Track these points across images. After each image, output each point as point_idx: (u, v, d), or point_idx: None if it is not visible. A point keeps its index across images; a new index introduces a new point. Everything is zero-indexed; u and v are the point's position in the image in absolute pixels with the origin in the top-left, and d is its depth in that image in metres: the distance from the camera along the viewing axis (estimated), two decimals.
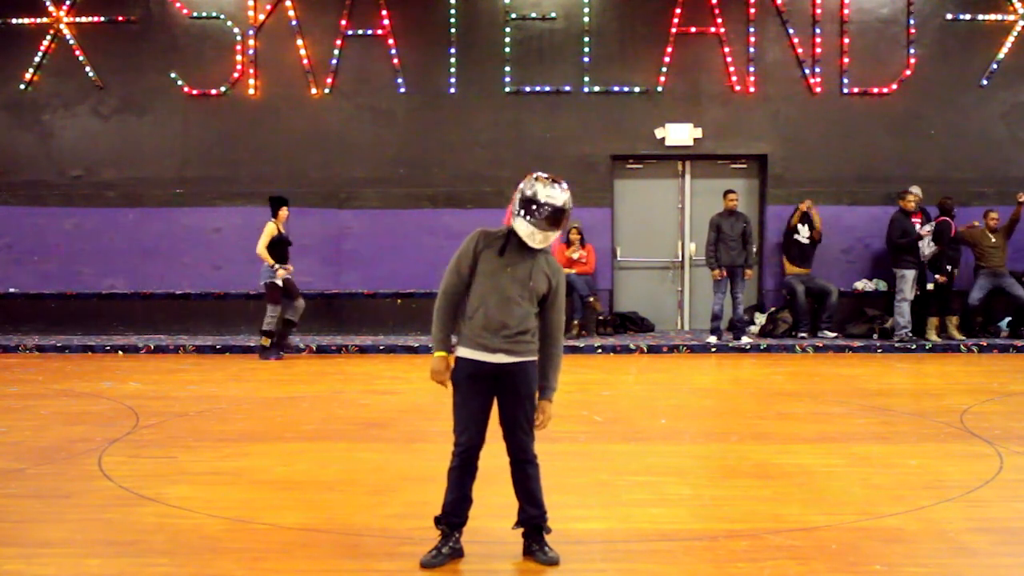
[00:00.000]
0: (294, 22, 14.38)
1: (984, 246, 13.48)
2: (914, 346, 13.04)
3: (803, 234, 13.72)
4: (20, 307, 14.36)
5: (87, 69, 14.47)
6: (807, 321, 13.60)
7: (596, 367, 11.80)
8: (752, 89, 14.26)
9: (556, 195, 4.73)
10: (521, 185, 4.82)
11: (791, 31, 14.23)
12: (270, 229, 12.17)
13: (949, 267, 13.34)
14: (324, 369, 11.69)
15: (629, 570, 4.82)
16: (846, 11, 14.24)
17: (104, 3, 14.51)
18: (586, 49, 14.27)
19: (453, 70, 14.35)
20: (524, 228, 4.74)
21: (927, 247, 13.28)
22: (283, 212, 12.37)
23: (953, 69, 14.26)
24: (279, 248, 12.22)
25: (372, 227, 14.36)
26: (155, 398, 9.56)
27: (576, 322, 13.58)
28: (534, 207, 4.71)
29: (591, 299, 13.74)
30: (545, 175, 4.82)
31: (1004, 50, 14.17)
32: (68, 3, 14.47)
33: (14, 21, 14.55)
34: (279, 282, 12.16)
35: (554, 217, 4.72)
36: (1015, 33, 14.17)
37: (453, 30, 14.34)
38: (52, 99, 14.60)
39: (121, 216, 14.49)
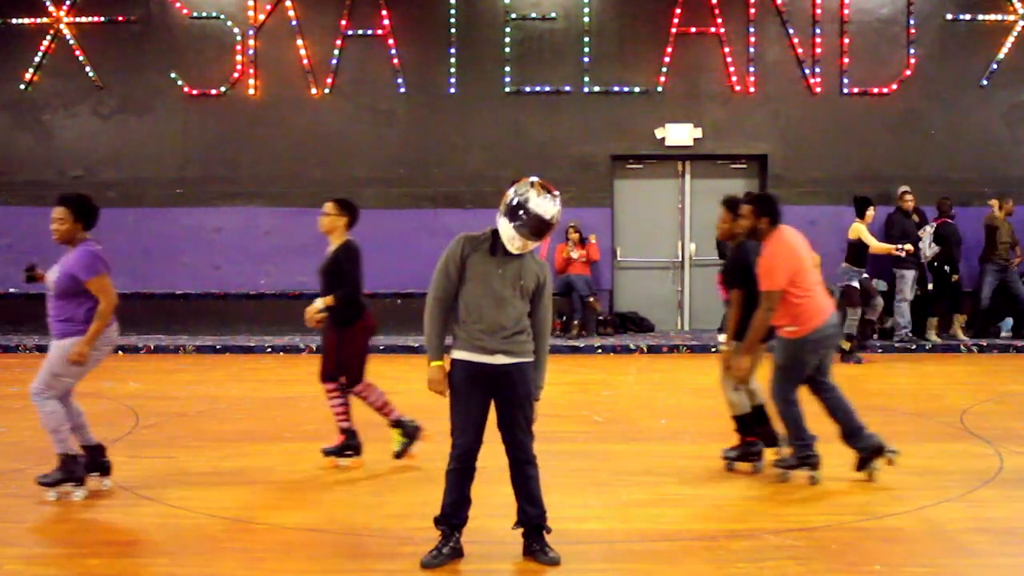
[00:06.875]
0: (294, 22, 14.37)
1: (997, 234, 13.36)
2: (914, 346, 13.04)
3: None
4: (20, 307, 14.34)
5: (87, 69, 14.46)
6: None
7: (596, 367, 11.80)
8: (752, 89, 14.25)
9: (547, 207, 4.67)
10: (514, 187, 4.74)
11: (791, 31, 14.22)
12: (863, 230, 12.18)
13: (947, 268, 13.32)
14: None
15: (629, 570, 4.81)
16: (846, 11, 14.24)
17: (104, 3, 14.51)
18: (586, 49, 14.27)
19: (453, 70, 14.34)
20: (506, 231, 4.71)
21: (928, 248, 13.28)
22: (870, 212, 12.38)
23: (953, 69, 14.26)
24: (863, 249, 12.19)
25: (372, 227, 14.24)
26: (155, 398, 9.56)
27: (576, 322, 13.58)
28: (521, 213, 4.66)
29: (591, 299, 13.74)
30: (541, 182, 4.75)
31: (1004, 50, 14.17)
32: (68, 3, 14.46)
33: (14, 21, 14.54)
34: (856, 284, 12.13)
35: (539, 228, 4.67)
36: (1015, 33, 14.16)
37: (453, 30, 14.33)
38: (52, 99, 14.60)
39: (121, 216, 14.46)
